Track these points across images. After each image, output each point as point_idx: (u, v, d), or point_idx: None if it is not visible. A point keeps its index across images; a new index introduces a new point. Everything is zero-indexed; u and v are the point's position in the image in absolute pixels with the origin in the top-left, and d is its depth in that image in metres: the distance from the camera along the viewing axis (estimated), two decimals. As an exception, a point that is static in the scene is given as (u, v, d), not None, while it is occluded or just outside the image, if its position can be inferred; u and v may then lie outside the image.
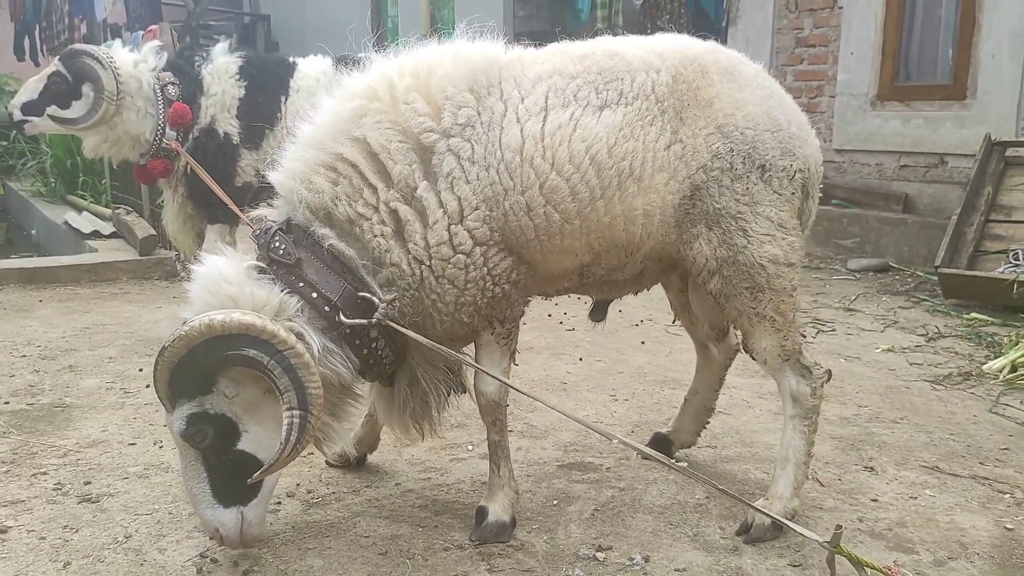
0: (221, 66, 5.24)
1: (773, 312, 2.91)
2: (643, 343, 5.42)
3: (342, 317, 2.65)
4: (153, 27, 9.02)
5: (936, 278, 6.61)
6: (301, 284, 2.66)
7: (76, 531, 3.03)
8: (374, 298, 2.68)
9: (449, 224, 2.71)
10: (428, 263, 2.73)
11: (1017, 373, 4.75)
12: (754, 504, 2.79)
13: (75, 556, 2.86)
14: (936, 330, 5.77)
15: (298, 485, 3.39)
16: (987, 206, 6.70)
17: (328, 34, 15.06)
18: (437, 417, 3.05)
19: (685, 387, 4.49)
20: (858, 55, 8.35)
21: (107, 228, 8.45)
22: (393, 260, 2.73)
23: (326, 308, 2.66)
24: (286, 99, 5.22)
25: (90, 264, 7.16)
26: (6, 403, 4.26)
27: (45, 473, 3.48)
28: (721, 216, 2.83)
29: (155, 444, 3.77)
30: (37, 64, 14.60)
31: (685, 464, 3.60)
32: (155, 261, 7.32)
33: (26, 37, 14.48)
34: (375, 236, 2.73)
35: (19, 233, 12.06)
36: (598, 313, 3.44)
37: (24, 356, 5.03)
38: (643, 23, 11.86)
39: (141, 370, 4.77)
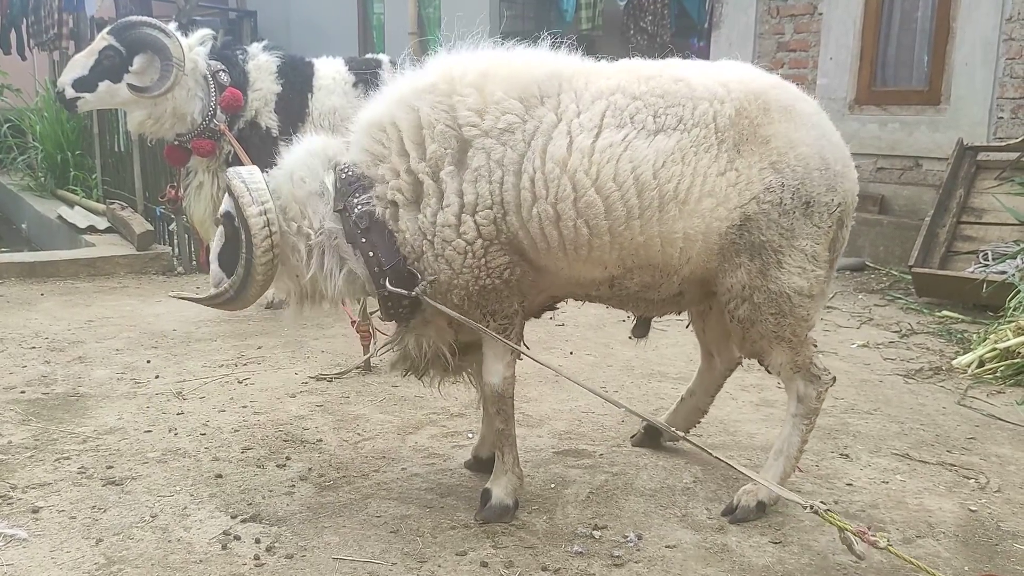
0: (263, 63, 5.50)
1: (791, 335, 3.08)
2: (630, 338, 5.62)
3: (388, 283, 2.96)
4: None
5: (910, 277, 6.89)
6: (364, 240, 2.97)
7: (104, 511, 3.22)
8: (417, 274, 2.98)
9: (460, 212, 2.92)
10: (431, 239, 2.95)
11: (984, 368, 5.02)
12: (753, 478, 2.97)
13: (106, 534, 3.05)
14: (909, 327, 6.04)
15: (310, 470, 3.59)
16: (959, 208, 6.98)
17: (314, 30, 15.22)
18: (428, 380, 3.36)
19: (671, 380, 4.74)
20: (837, 60, 8.61)
21: (102, 223, 8.58)
22: (400, 227, 2.97)
23: (375, 269, 2.97)
24: (311, 96, 5.50)
25: (89, 259, 7.32)
26: (22, 392, 4.44)
27: (68, 458, 3.66)
28: (764, 248, 2.95)
29: (170, 431, 3.96)
30: (24, 58, 14.63)
31: (678, 450, 3.84)
32: (152, 256, 7.49)
33: (12, 31, 14.48)
34: (387, 201, 2.99)
35: (7, 227, 12.14)
36: (640, 329, 3.59)
37: (33, 348, 5.20)
38: (626, 24, 12.07)
39: (149, 362, 4.96)
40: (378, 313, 4.65)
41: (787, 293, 3.00)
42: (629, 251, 2.96)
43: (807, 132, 2.99)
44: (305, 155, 3.12)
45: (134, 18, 5.57)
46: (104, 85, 5.45)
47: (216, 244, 3.25)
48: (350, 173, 3.03)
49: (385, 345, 3.40)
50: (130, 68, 5.42)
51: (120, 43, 5.38)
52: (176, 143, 5.67)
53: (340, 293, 3.15)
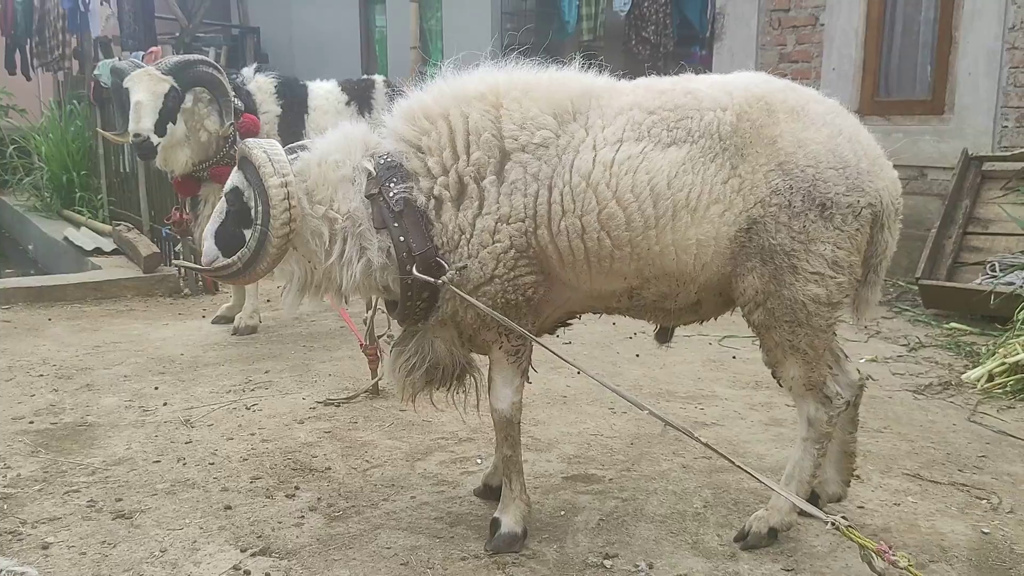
0: (262, 84, 5.53)
1: (807, 346, 3.03)
2: (637, 356, 5.63)
3: (415, 270, 2.95)
4: (154, 49, 9.17)
5: (917, 288, 6.87)
6: (396, 224, 2.99)
7: (114, 546, 3.21)
8: (445, 264, 2.98)
9: (498, 221, 2.98)
10: (468, 236, 3.00)
11: (994, 383, 5.00)
12: (780, 493, 2.92)
13: (116, 570, 3.05)
14: (917, 340, 6.01)
15: (319, 499, 3.59)
16: (965, 219, 6.97)
17: (317, 45, 15.26)
18: (431, 394, 3.34)
19: (680, 399, 4.73)
20: (840, 71, 8.60)
21: (108, 245, 8.60)
22: (443, 220, 3.02)
23: (404, 254, 2.98)
24: (307, 116, 5.55)
25: (96, 282, 7.33)
26: (30, 422, 4.44)
27: (77, 491, 3.66)
28: (775, 252, 2.92)
29: (179, 461, 3.96)
30: (28, 78, 14.69)
31: (688, 474, 3.83)
32: (159, 278, 7.49)
33: (17, 51, 14.56)
34: (432, 195, 3.03)
35: (13, 247, 12.18)
36: (663, 335, 3.53)
37: (41, 375, 5.20)
38: (628, 34, 12.08)
39: (156, 388, 4.96)
40: (385, 335, 4.70)
41: (802, 301, 2.96)
42: (647, 261, 2.99)
43: (818, 131, 2.96)
44: (343, 140, 3.16)
45: (191, 57, 5.56)
46: (171, 128, 5.43)
47: (214, 221, 3.24)
48: (389, 160, 3.08)
49: (400, 350, 3.29)
50: (183, 107, 5.43)
51: (179, 83, 5.37)
52: (191, 173, 5.69)
53: (355, 284, 3.12)
